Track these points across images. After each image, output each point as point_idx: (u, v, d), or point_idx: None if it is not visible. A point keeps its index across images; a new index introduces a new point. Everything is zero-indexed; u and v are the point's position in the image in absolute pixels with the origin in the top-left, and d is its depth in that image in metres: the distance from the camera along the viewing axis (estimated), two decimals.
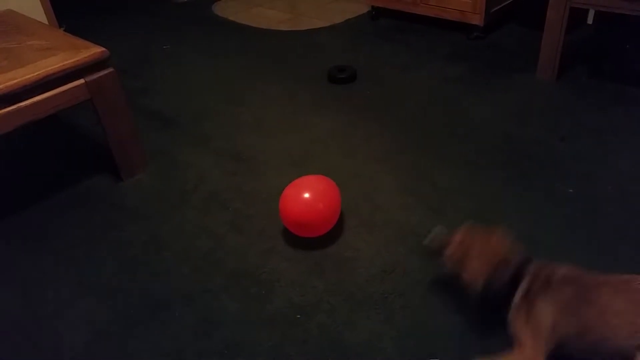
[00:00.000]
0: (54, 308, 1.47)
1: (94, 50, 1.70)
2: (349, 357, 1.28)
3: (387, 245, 1.59)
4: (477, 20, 2.72)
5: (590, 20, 2.80)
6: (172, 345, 1.34)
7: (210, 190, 1.87)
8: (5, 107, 1.56)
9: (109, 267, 1.59)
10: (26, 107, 1.60)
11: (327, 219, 1.58)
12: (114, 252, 1.64)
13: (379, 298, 1.43)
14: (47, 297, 1.51)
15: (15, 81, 1.55)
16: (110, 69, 1.75)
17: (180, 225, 1.73)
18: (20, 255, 1.66)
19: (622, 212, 1.64)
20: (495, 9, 2.78)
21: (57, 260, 1.63)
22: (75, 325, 1.42)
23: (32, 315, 1.46)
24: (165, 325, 1.40)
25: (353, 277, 1.50)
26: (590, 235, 1.57)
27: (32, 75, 1.58)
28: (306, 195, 1.55)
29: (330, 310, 1.40)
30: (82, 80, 1.69)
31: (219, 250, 1.62)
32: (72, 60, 1.65)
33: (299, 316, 1.39)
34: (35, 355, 1.35)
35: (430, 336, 1.32)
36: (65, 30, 2.12)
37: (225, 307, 1.43)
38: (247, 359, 1.30)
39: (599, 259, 1.49)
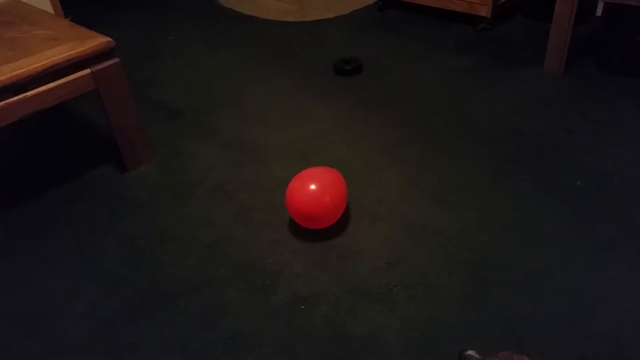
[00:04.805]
0: (59, 298, 1.48)
1: (99, 41, 1.70)
2: (353, 348, 1.29)
3: (392, 237, 1.59)
4: (484, 11, 2.70)
5: (599, 13, 2.78)
6: (177, 336, 1.35)
7: (215, 182, 1.87)
8: (10, 97, 1.56)
9: (114, 258, 1.60)
10: (32, 97, 1.60)
11: (333, 211, 1.58)
12: (119, 242, 1.65)
13: (383, 290, 1.43)
14: (52, 287, 1.52)
15: (21, 71, 1.55)
16: (116, 59, 1.75)
17: (185, 216, 1.73)
18: (26, 245, 1.67)
19: (629, 206, 1.63)
20: (502, 0, 2.75)
21: (62, 251, 1.63)
22: (80, 315, 1.43)
23: (37, 306, 1.46)
24: (170, 315, 1.40)
25: (357, 269, 1.50)
26: (596, 230, 1.56)
27: (38, 65, 1.58)
28: (313, 186, 1.55)
29: (335, 301, 1.40)
30: (87, 71, 1.69)
31: (224, 241, 1.62)
32: (78, 50, 1.65)
33: (303, 307, 1.40)
34: (40, 345, 1.36)
35: (434, 328, 1.32)
36: (71, 20, 2.12)
37: (230, 298, 1.44)
38: (251, 349, 1.30)
39: (604, 254, 1.49)
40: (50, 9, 2.64)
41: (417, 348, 1.28)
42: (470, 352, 1.17)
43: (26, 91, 1.59)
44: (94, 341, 1.35)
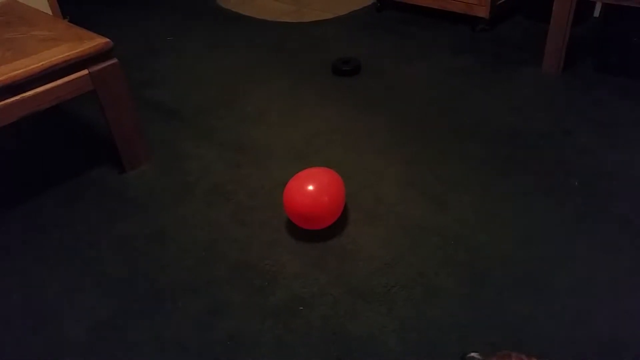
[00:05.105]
0: (56, 299, 1.48)
1: (98, 41, 1.69)
2: (352, 349, 1.28)
3: (390, 238, 1.59)
4: (482, 12, 2.70)
5: (596, 13, 2.78)
6: (175, 337, 1.35)
7: (213, 182, 1.87)
8: (8, 98, 1.56)
9: (112, 258, 1.59)
10: (29, 97, 1.60)
11: (332, 212, 1.58)
12: (117, 243, 1.64)
13: (381, 290, 1.42)
14: (50, 287, 1.51)
15: (19, 71, 1.55)
16: (114, 60, 1.75)
17: (184, 217, 1.73)
18: (23, 245, 1.66)
19: (627, 206, 1.63)
20: (501, 1, 2.76)
21: (60, 251, 1.63)
22: (78, 316, 1.42)
23: (35, 306, 1.46)
24: (168, 316, 1.40)
25: (355, 269, 1.50)
26: (593, 230, 1.56)
27: (36, 65, 1.58)
28: (311, 187, 1.55)
29: (333, 302, 1.40)
30: (85, 71, 1.69)
31: (222, 242, 1.62)
32: (76, 51, 1.65)
33: (301, 308, 1.39)
34: (37, 345, 1.35)
35: (433, 329, 1.32)
36: (69, 21, 2.12)
37: (229, 298, 1.44)
38: (250, 350, 1.30)
39: (604, 254, 1.49)
40: (48, 10, 2.64)
41: (416, 348, 1.27)
42: (473, 354, 1.17)
43: (24, 92, 1.59)
44: (93, 342, 1.35)
